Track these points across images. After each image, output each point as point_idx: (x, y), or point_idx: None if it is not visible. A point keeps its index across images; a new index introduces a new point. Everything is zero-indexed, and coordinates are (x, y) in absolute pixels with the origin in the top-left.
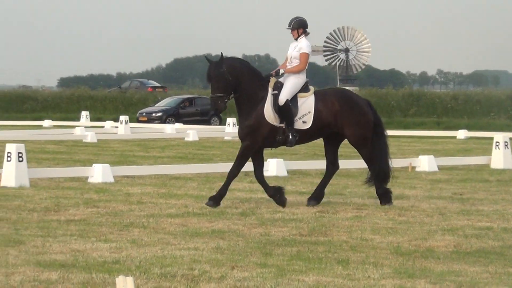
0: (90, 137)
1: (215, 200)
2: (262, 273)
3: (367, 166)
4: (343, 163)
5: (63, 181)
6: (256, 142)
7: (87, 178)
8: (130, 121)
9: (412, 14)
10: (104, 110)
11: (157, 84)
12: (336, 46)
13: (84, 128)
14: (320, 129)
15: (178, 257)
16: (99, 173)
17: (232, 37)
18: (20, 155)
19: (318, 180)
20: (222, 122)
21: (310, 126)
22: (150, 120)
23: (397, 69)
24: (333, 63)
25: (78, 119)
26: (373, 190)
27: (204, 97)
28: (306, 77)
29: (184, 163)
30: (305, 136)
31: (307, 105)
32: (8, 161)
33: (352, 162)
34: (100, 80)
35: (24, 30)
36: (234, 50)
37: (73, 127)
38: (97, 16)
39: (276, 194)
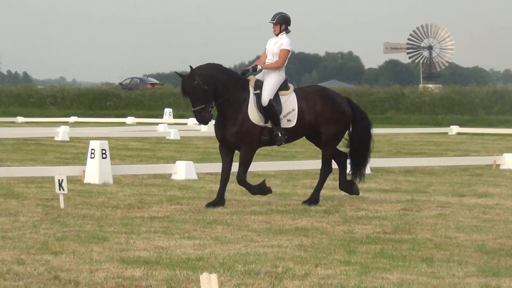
0: (173, 134)
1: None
2: (345, 271)
3: (321, 167)
4: (426, 161)
5: (146, 178)
6: (252, 145)
7: (170, 175)
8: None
9: (495, 10)
10: (187, 108)
11: (156, 81)
12: (420, 43)
13: (167, 125)
14: (304, 127)
15: (262, 254)
16: (182, 170)
17: None
18: (103, 152)
19: (401, 178)
20: None
21: (295, 124)
22: None
23: (480, 66)
24: (416, 61)
25: (161, 116)
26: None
27: None
28: (286, 75)
29: (267, 160)
30: (290, 135)
31: (289, 103)
32: (92, 158)
33: (434, 160)
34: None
35: (108, 28)
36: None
37: (156, 124)
38: (180, 15)
39: (261, 190)
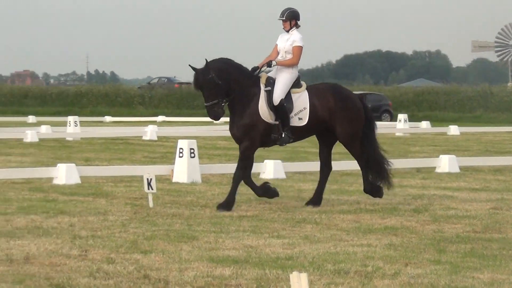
0: None
1: (224, 207)
2: (436, 270)
3: (358, 164)
4: (505, 160)
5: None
6: (254, 142)
7: (258, 174)
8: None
9: None
10: None
11: (182, 81)
12: (508, 41)
13: None
14: (316, 125)
15: (351, 254)
16: (270, 169)
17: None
18: (192, 151)
19: (491, 177)
20: (393, 118)
21: (307, 123)
22: None
23: None
24: (504, 59)
25: None
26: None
27: (374, 93)
28: (297, 73)
29: (354, 159)
30: (301, 133)
31: (301, 101)
32: (180, 157)
33: None
34: None
35: (198, 27)
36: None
37: None
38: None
39: (265, 191)
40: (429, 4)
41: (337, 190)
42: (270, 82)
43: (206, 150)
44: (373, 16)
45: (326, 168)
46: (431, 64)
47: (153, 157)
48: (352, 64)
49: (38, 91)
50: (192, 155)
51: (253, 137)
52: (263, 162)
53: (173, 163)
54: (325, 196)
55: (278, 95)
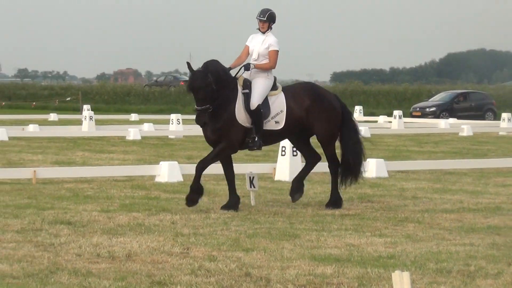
0: (364, 131)
1: (190, 200)
2: None
3: (328, 165)
4: None
5: None
6: (232, 144)
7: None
8: (404, 116)
9: None
10: (377, 105)
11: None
12: None
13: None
14: (293, 127)
15: (454, 253)
16: (373, 168)
17: None
18: (294, 150)
19: None
20: (497, 117)
21: (283, 126)
22: (424, 115)
23: None
24: None
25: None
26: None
27: (478, 92)
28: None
29: (459, 158)
30: (277, 136)
31: (278, 104)
32: (282, 155)
33: None
34: (373, 75)
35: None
36: None
37: None
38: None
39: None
40: None
41: (440, 189)
42: (247, 84)
43: None
44: (477, 15)
45: (312, 158)
46: None
47: (255, 155)
48: (455, 63)
49: (141, 90)
50: (294, 153)
51: (231, 140)
52: (366, 161)
53: (275, 162)
54: (428, 195)
55: (256, 100)
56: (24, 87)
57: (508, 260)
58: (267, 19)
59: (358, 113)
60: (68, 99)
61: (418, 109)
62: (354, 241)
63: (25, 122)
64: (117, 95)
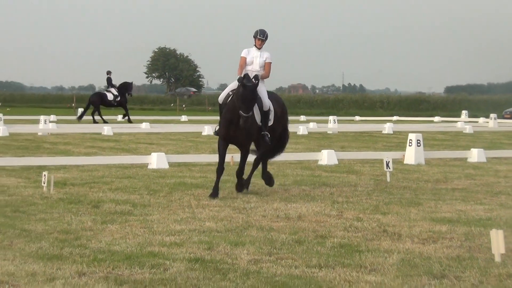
0: (468, 129)
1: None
2: None
3: (256, 156)
4: None
5: (449, 160)
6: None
7: (466, 158)
8: (498, 118)
9: None
10: (477, 110)
11: (193, 89)
12: None
13: (463, 123)
14: (276, 123)
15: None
16: (475, 155)
17: None
18: (418, 141)
19: None
20: None
21: (273, 123)
22: None
23: None
24: None
25: (459, 116)
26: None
27: None
28: None
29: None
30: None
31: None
32: (409, 145)
33: None
34: (475, 88)
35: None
36: None
37: (456, 122)
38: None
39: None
40: None
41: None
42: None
43: (427, 141)
44: None
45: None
46: None
47: (390, 145)
48: None
49: (308, 98)
50: (418, 144)
51: (255, 140)
52: (469, 150)
53: (405, 150)
54: None
55: (267, 102)
56: None
57: None
58: (265, 38)
59: (464, 116)
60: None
61: (508, 112)
62: (462, 207)
63: None
64: (291, 102)
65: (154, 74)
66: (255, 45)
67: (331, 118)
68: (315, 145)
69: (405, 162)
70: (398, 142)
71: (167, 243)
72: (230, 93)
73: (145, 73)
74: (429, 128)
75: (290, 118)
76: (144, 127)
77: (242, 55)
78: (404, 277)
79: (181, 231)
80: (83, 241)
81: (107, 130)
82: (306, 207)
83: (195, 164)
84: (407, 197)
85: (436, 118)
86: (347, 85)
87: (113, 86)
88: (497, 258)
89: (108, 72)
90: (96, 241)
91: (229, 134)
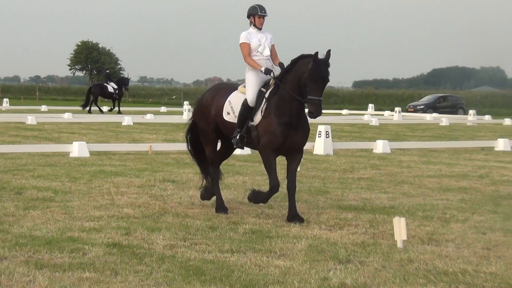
0: (374, 121)
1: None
2: (493, 218)
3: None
4: None
5: (355, 151)
6: None
7: (371, 149)
8: (402, 111)
9: None
10: (383, 104)
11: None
12: None
13: (370, 116)
14: None
15: (435, 205)
16: (380, 146)
17: None
18: (327, 133)
19: None
20: (465, 113)
21: None
22: (415, 110)
23: None
24: None
25: (366, 109)
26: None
27: (453, 95)
28: None
29: (439, 140)
30: None
31: None
32: (319, 137)
33: None
34: (381, 82)
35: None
36: None
37: (363, 114)
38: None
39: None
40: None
41: (426, 162)
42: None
43: (336, 133)
44: (455, 40)
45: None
46: (493, 76)
47: None
48: (437, 75)
49: None
50: (327, 135)
51: None
52: (375, 141)
53: (314, 141)
54: (417, 165)
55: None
56: (144, 88)
57: (472, 211)
58: (266, 14)
59: (370, 109)
60: (174, 97)
61: (411, 106)
62: (367, 196)
63: (144, 112)
64: None
65: (77, 67)
66: (254, 25)
67: None
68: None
69: (314, 153)
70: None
71: (86, 229)
72: (264, 89)
73: (69, 65)
74: (337, 120)
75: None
76: (67, 117)
77: (244, 41)
78: (311, 261)
79: (100, 217)
80: (5, 227)
81: (30, 119)
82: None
83: (114, 153)
84: (316, 185)
85: (344, 111)
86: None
87: (111, 80)
88: (399, 244)
89: (107, 70)
90: (18, 226)
91: (286, 142)
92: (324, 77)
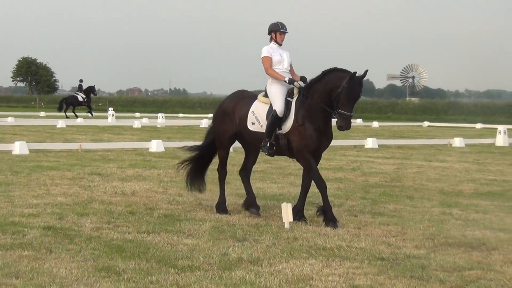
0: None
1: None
2: (363, 203)
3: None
4: (411, 141)
5: None
6: None
7: None
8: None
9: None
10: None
11: None
12: (407, 74)
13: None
14: None
15: (316, 193)
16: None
17: None
18: None
19: (395, 150)
20: None
21: None
22: None
23: (442, 87)
24: (405, 84)
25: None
26: None
27: None
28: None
29: None
30: None
31: None
32: None
33: (415, 141)
34: None
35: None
36: None
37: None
38: None
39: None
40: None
41: None
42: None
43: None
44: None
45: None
46: (364, 87)
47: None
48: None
49: (142, 99)
50: None
51: None
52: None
53: None
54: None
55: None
56: None
57: (346, 197)
58: (287, 31)
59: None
60: (100, 104)
61: None
62: (260, 185)
63: (75, 117)
64: (128, 102)
65: (18, 78)
66: (275, 41)
67: (159, 115)
68: (147, 136)
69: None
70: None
71: (26, 214)
72: (290, 99)
73: (11, 77)
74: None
75: (127, 115)
76: (10, 120)
77: (267, 54)
78: (214, 240)
79: (37, 205)
80: None
81: None
82: (139, 185)
83: (50, 150)
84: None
85: (181, 115)
86: (173, 89)
87: (82, 91)
88: (287, 226)
89: (81, 80)
90: None
91: (319, 147)
92: (358, 96)
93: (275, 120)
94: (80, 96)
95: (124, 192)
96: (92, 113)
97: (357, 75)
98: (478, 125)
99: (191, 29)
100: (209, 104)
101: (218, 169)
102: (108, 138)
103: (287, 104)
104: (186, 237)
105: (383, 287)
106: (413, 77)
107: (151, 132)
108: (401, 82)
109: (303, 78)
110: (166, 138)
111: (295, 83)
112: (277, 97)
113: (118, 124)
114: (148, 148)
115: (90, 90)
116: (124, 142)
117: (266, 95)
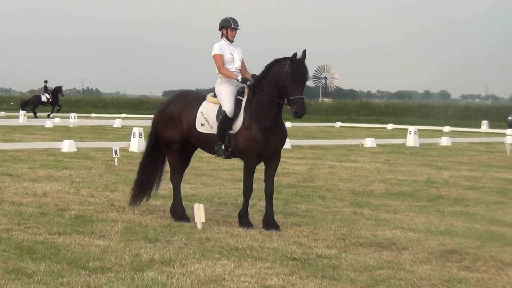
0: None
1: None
2: (276, 203)
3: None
4: (323, 142)
5: None
6: None
7: None
8: None
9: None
10: None
11: None
12: (320, 75)
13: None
14: None
15: (229, 193)
16: None
17: None
18: (140, 134)
19: (308, 151)
20: None
21: None
22: None
23: (354, 88)
24: (317, 85)
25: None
26: None
27: None
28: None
29: None
30: None
31: None
32: (133, 137)
33: (327, 141)
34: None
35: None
36: None
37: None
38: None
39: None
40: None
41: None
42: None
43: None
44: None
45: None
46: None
47: (118, 137)
48: None
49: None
50: (140, 136)
51: None
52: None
53: (130, 141)
54: (215, 160)
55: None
56: None
57: (259, 197)
58: (239, 28)
59: None
60: (11, 104)
61: None
62: (171, 186)
63: None
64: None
65: None
66: (226, 38)
67: (72, 114)
68: (59, 136)
69: (130, 150)
70: (125, 134)
71: None
72: (240, 97)
73: None
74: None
75: (39, 114)
76: None
77: (218, 52)
78: (126, 241)
79: None
80: None
81: None
82: (50, 186)
83: None
84: (131, 177)
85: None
86: (86, 89)
87: (47, 91)
88: (199, 226)
89: (45, 81)
90: None
91: (267, 147)
92: (303, 76)
93: (225, 121)
94: (45, 97)
95: (35, 193)
96: (51, 113)
97: (297, 57)
98: (390, 126)
99: (105, 28)
100: (122, 104)
101: (170, 179)
102: (19, 138)
103: (238, 103)
104: (98, 238)
105: (294, 287)
106: (325, 78)
107: (63, 132)
108: (314, 83)
109: (254, 76)
110: (79, 138)
111: (247, 81)
112: (226, 97)
113: (30, 124)
114: (60, 148)
115: (58, 91)
116: (36, 141)
117: (215, 95)
